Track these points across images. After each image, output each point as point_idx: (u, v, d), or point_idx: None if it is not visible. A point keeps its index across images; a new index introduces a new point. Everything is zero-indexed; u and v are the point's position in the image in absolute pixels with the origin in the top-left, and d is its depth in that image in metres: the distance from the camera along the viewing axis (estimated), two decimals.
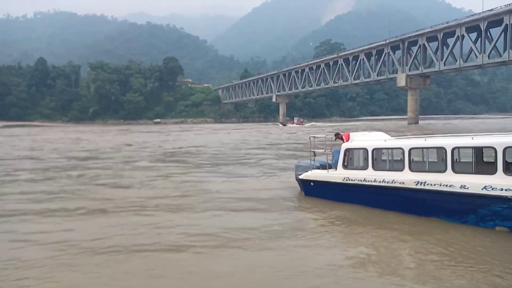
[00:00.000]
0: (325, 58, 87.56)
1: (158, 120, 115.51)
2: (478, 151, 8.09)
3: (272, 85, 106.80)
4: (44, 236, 7.31)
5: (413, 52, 63.10)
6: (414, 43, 62.10)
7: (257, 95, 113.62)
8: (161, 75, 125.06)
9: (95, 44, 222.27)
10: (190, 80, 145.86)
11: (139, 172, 15.78)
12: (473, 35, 53.03)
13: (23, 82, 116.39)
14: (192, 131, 56.18)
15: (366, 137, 9.75)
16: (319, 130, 49.82)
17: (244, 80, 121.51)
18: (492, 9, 48.78)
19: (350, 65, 76.88)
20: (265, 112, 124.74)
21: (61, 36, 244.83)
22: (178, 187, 12.28)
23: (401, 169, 8.27)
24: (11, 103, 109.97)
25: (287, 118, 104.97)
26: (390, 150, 8.94)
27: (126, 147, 29.40)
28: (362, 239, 6.91)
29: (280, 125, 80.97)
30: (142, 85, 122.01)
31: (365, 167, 8.98)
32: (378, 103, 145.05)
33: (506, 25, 47.10)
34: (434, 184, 7.62)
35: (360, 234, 7.22)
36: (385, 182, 8.36)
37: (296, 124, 78.96)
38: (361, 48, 74.00)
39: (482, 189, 7.02)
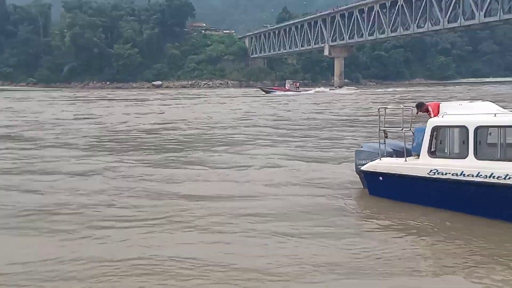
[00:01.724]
0: None
1: (158, 82, 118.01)
2: None
3: (324, 32, 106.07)
4: None
5: None
6: None
7: (302, 46, 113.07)
8: (163, 17, 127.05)
9: None
10: (204, 24, 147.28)
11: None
12: None
13: None
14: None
15: (466, 110, 9.45)
16: (322, 101, 47.46)
17: (283, 25, 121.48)
18: None
19: (443, 0, 74.42)
20: (313, 71, 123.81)
21: None
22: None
23: None
24: None
25: (337, 80, 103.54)
26: (503, 130, 8.59)
27: None
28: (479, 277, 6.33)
29: (262, 91, 78.14)
30: (136, 33, 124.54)
31: (463, 155, 8.80)
32: (486, 58, 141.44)
33: None
34: None
35: (472, 268, 6.53)
36: (495, 177, 8.10)
37: (288, 90, 75.18)
38: None
39: None
